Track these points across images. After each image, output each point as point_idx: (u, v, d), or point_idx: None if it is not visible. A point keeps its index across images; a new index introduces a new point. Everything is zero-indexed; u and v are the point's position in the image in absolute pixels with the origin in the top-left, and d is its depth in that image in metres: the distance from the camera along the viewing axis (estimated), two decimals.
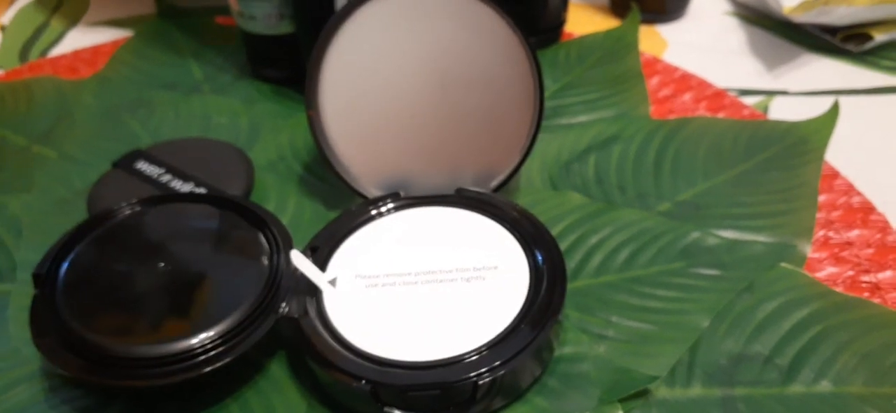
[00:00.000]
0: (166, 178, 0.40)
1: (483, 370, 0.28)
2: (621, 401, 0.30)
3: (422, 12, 0.35)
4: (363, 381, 0.28)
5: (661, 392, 0.31)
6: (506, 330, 0.30)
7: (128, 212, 0.35)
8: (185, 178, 0.40)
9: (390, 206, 0.36)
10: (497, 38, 0.35)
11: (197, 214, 0.35)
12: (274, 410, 0.31)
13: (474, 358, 0.29)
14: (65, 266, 0.32)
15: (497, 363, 0.28)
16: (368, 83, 0.36)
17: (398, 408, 0.29)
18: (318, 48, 0.36)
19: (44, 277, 0.32)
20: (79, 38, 0.60)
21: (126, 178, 0.40)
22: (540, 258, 0.33)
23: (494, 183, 0.38)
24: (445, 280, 0.32)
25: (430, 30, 0.35)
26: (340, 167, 0.38)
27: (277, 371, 0.32)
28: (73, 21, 0.62)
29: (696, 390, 0.31)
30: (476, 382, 0.28)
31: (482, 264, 0.33)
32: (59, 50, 0.58)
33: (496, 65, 0.36)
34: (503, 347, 0.29)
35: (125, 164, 0.41)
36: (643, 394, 0.30)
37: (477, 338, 0.29)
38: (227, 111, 0.48)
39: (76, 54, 0.57)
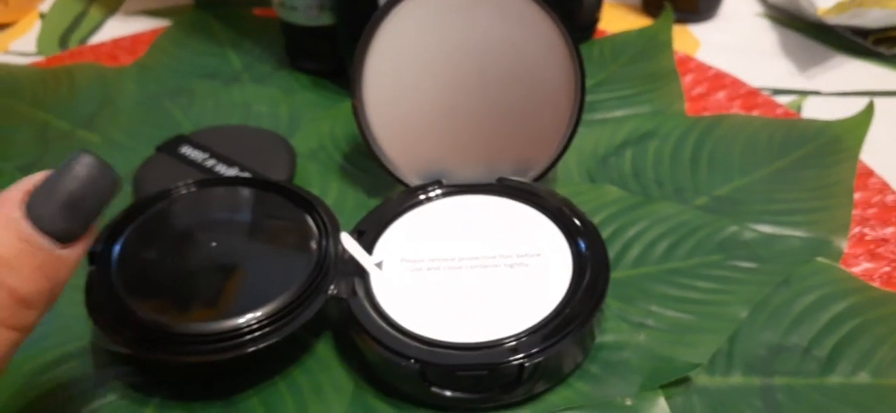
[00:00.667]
0: (211, 162, 0.41)
1: (530, 352, 0.29)
2: (663, 388, 0.30)
3: (465, 5, 0.36)
4: (412, 361, 0.29)
5: (702, 380, 0.31)
6: (551, 315, 0.30)
7: (182, 192, 0.36)
8: (230, 163, 0.41)
9: (434, 193, 0.37)
10: (539, 30, 0.36)
11: (247, 197, 0.36)
12: (321, 388, 0.31)
13: (521, 340, 0.29)
14: (119, 244, 0.33)
15: (542, 347, 0.29)
16: (411, 74, 0.37)
17: (446, 388, 0.29)
18: (363, 40, 0.36)
19: (99, 255, 0.32)
20: (117, 27, 0.61)
21: (171, 162, 0.41)
22: (583, 246, 0.33)
23: (533, 174, 0.38)
24: (489, 265, 0.33)
25: (472, 22, 0.36)
26: (383, 156, 0.38)
27: (324, 351, 0.33)
28: (111, 10, 0.63)
29: (736, 379, 0.31)
30: (523, 364, 0.29)
31: (525, 251, 0.33)
32: (98, 38, 0.59)
33: (538, 57, 0.36)
34: (549, 332, 0.30)
35: (169, 148, 0.42)
36: (684, 381, 0.31)
37: (522, 322, 0.30)
38: (267, 100, 0.49)
39: (116, 42, 0.58)
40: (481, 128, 0.38)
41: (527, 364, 0.29)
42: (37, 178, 0.23)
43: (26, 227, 0.22)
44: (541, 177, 0.38)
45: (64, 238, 0.23)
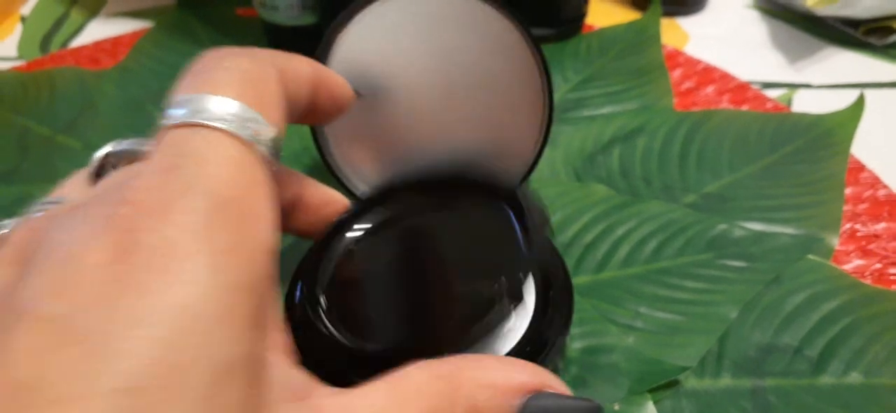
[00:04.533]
0: None
1: None
2: (651, 391, 0.30)
3: (427, 15, 0.34)
4: None
5: (691, 382, 0.31)
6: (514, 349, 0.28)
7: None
8: None
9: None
10: (504, 42, 0.34)
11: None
12: None
13: None
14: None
15: None
16: (371, 86, 0.35)
17: None
18: (322, 48, 0.35)
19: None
20: (99, 30, 0.60)
21: None
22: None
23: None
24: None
25: (435, 33, 0.34)
26: (339, 170, 0.37)
27: None
28: (92, 12, 0.63)
29: (726, 381, 0.31)
30: None
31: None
32: (79, 41, 0.58)
33: (503, 70, 0.34)
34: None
35: None
36: (673, 384, 0.30)
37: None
38: None
39: (97, 45, 0.57)
40: (445, 142, 0.36)
41: None
42: (552, 385, 0.21)
43: None
44: None
45: None
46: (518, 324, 0.30)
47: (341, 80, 0.28)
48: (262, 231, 0.19)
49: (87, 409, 0.14)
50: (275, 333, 0.21)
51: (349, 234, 0.34)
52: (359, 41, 0.35)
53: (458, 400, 0.20)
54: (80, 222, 0.18)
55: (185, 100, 0.20)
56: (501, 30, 0.34)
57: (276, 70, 0.23)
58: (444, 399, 0.20)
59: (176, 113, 0.20)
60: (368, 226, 0.34)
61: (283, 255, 0.37)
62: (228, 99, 0.20)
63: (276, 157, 0.22)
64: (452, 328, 0.25)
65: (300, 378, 0.21)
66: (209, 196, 0.18)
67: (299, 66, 0.24)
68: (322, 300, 0.30)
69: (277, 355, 0.21)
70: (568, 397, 0.21)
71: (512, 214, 0.30)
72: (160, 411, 0.15)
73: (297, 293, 0.30)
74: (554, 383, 0.22)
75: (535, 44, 0.34)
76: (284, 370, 0.20)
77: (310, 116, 0.27)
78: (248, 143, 0.20)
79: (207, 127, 0.20)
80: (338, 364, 0.27)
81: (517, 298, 0.25)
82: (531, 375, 0.21)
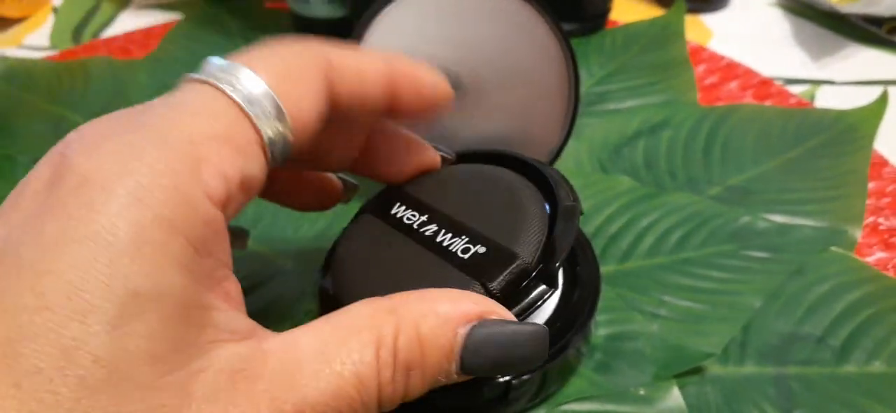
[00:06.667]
0: None
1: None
2: (676, 377, 0.31)
3: (455, 7, 0.35)
4: None
5: (715, 369, 0.31)
6: None
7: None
8: None
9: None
10: (533, 34, 0.35)
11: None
12: None
13: None
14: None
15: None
16: None
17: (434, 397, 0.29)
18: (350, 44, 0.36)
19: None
20: (129, 21, 0.61)
21: None
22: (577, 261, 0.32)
23: None
24: None
25: (463, 25, 0.35)
26: None
27: None
28: (122, 4, 0.64)
29: (750, 368, 0.31)
30: (510, 382, 0.28)
31: None
32: (110, 32, 0.60)
33: (530, 61, 0.35)
34: None
35: None
36: (697, 370, 0.31)
37: None
38: None
39: (128, 36, 0.58)
40: (472, 134, 0.37)
41: (514, 382, 0.28)
42: (496, 312, 0.22)
43: (456, 360, 0.21)
44: None
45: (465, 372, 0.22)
46: (547, 305, 0.31)
47: (432, 77, 0.26)
48: (214, 179, 0.20)
49: None
50: (225, 283, 0.21)
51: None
52: (388, 34, 0.35)
53: (403, 329, 0.21)
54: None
55: (226, 64, 0.22)
56: (529, 21, 0.35)
57: (325, 66, 0.23)
58: (388, 328, 0.21)
59: (210, 66, 0.22)
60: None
61: (309, 244, 0.38)
62: (257, 77, 0.21)
63: (282, 141, 0.22)
64: None
65: (245, 322, 0.21)
66: (158, 134, 0.19)
67: (365, 62, 0.24)
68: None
69: (223, 301, 0.20)
70: (513, 322, 0.22)
71: (543, 198, 0.31)
72: (65, 330, 0.16)
73: (327, 280, 0.31)
74: (498, 310, 0.22)
75: (563, 34, 0.34)
76: (229, 314, 0.20)
77: (396, 114, 0.26)
78: (244, 111, 0.21)
79: (211, 84, 0.21)
80: None
81: (550, 283, 0.26)
82: (475, 303, 0.22)
